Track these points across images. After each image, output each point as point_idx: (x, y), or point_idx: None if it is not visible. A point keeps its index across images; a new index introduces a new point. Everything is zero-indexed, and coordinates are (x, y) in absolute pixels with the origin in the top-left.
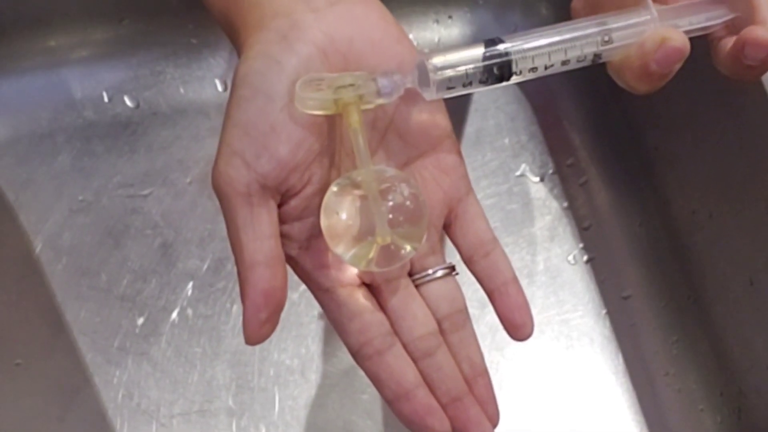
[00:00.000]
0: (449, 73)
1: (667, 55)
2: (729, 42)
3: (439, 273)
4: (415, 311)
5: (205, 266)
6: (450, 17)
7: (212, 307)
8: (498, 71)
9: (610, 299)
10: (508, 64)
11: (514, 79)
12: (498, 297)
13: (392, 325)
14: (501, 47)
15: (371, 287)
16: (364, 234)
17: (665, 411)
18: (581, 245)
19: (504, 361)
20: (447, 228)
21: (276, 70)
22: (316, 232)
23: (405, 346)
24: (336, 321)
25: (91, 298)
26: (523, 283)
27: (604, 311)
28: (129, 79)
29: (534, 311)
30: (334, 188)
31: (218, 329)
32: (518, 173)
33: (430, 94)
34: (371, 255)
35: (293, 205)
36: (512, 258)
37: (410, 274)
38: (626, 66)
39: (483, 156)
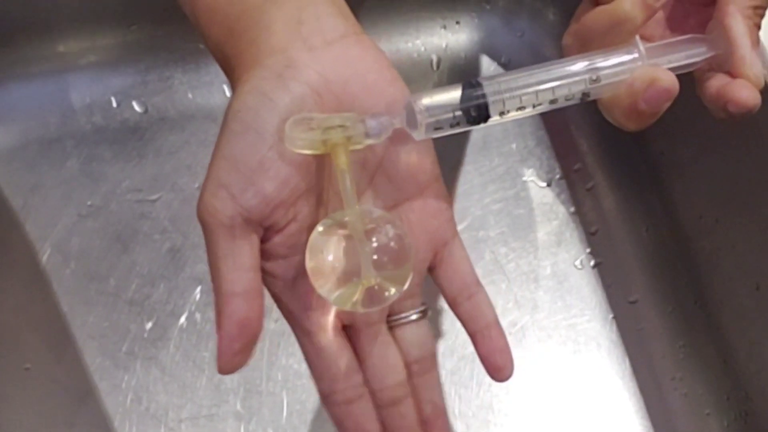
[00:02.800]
0: (437, 113)
1: (656, 95)
2: (713, 83)
3: (414, 317)
4: (389, 361)
5: None
6: (458, 23)
7: None
8: (477, 112)
9: (617, 304)
10: (485, 105)
11: (503, 119)
12: (480, 339)
13: (365, 371)
14: (484, 89)
15: (351, 329)
16: (349, 275)
17: (672, 415)
18: (588, 250)
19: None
20: (432, 270)
21: (268, 108)
22: (301, 272)
23: (374, 393)
24: (312, 363)
25: (99, 302)
26: (530, 287)
27: (611, 316)
28: (137, 85)
29: (541, 316)
30: (319, 228)
31: None
32: (525, 178)
33: (419, 135)
34: (356, 296)
35: (278, 242)
36: (519, 263)
37: (387, 314)
38: (615, 104)
39: (490, 161)
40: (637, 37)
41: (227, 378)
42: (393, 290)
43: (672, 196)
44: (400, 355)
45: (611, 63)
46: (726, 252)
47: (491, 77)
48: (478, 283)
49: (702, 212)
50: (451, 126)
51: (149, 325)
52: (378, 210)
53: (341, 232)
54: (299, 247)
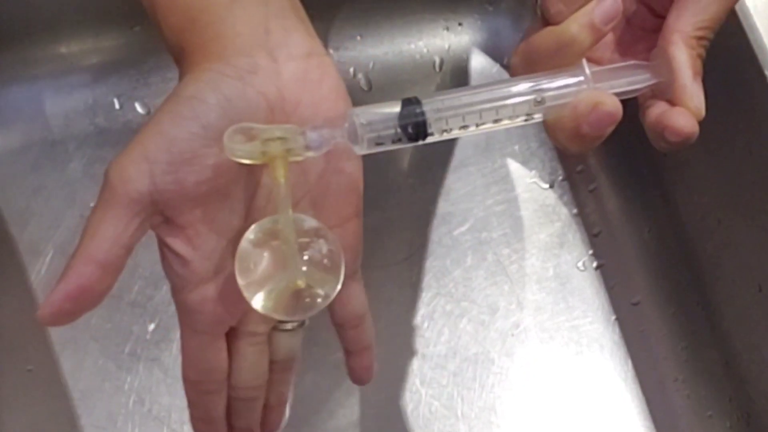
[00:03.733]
0: (378, 128)
1: (599, 119)
2: (653, 110)
3: (289, 326)
4: (259, 367)
5: None
6: (460, 24)
7: None
8: (414, 129)
9: (619, 305)
10: (424, 123)
11: (443, 137)
12: (353, 357)
13: (232, 368)
14: (423, 107)
15: (234, 330)
16: (278, 281)
17: (675, 417)
18: (591, 252)
19: (514, 367)
20: None
21: (221, 105)
22: (204, 277)
23: (233, 388)
24: (188, 353)
25: (102, 304)
26: (533, 288)
27: (613, 317)
28: (140, 86)
29: (544, 317)
30: (250, 235)
31: None
32: (528, 180)
33: (360, 149)
34: (284, 302)
35: (182, 239)
36: (522, 264)
37: None
38: (559, 126)
39: (493, 162)
40: (584, 61)
41: None
42: (323, 294)
43: (674, 198)
44: (267, 360)
45: (556, 85)
46: (728, 254)
47: (434, 95)
48: (365, 313)
49: (704, 214)
50: (393, 142)
51: (152, 326)
52: (310, 218)
53: (272, 240)
54: (204, 252)
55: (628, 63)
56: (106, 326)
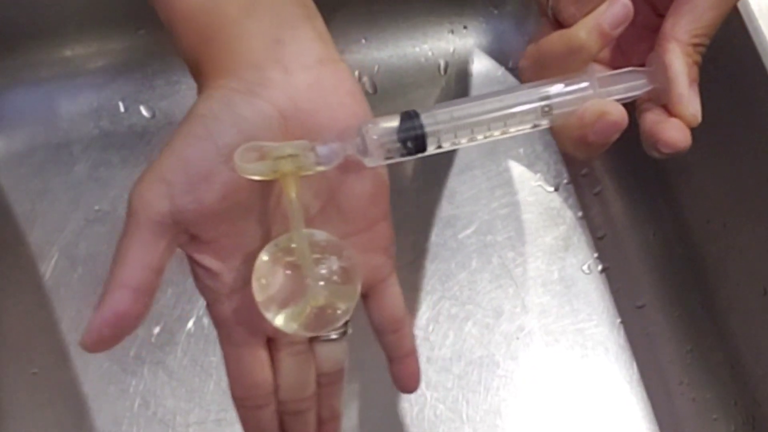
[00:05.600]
0: (389, 141)
1: (605, 128)
2: (648, 116)
3: (334, 336)
4: (302, 377)
5: None
6: (465, 27)
7: None
8: (414, 144)
9: (624, 308)
10: (423, 137)
11: (451, 148)
12: (397, 365)
13: (278, 382)
14: (434, 119)
15: (273, 341)
16: (296, 297)
17: (680, 420)
18: (596, 255)
19: (519, 369)
20: (364, 299)
21: (233, 121)
22: (235, 288)
23: (282, 403)
24: (231, 369)
25: None
26: (538, 291)
27: (618, 320)
28: (145, 89)
29: (548, 320)
30: (264, 255)
31: None
32: (533, 183)
33: (371, 162)
34: (304, 319)
35: (210, 255)
36: (527, 267)
37: None
38: (565, 134)
39: (498, 165)
40: (591, 67)
41: None
42: (342, 308)
43: (679, 201)
44: (313, 371)
45: (563, 92)
46: (733, 256)
47: (442, 106)
48: (405, 317)
49: (710, 217)
50: (402, 155)
51: (157, 329)
52: (322, 232)
53: (287, 256)
54: (233, 264)
55: (625, 70)
56: None
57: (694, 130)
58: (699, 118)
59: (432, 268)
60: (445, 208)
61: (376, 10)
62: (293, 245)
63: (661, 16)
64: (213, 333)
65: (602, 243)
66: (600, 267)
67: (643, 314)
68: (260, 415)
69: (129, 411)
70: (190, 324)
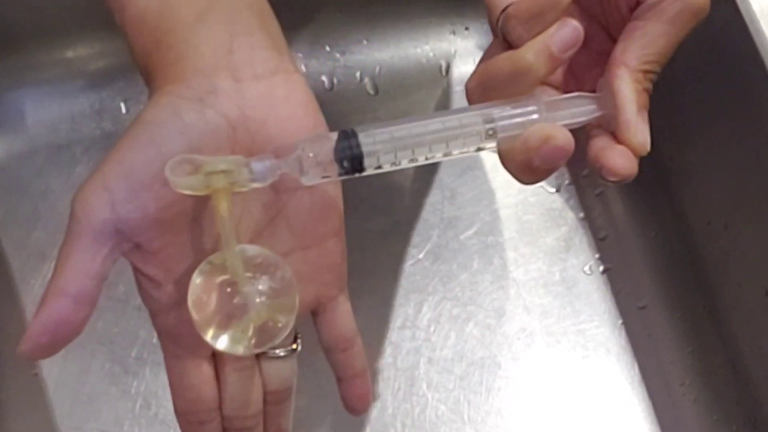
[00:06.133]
0: (323, 159)
1: (550, 153)
2: (595, 143)
3: (282, 353)
4: (247, 394)
5: None
6: (467, 28)
7: None
8: (351, 164)
9: (626, 309)
10: (360, 157)
11: (390, 169)
12: (345, 386)
13: (223, 398)
14: (374, 139)
15: (218, 356)
16: (235, 316)
17: (681, 421)
18: (597, 256)
19: (520, 370)
20: (314, 315)
21: (178, 129)
22: (179, 300)
23: (227, 419)
24: (174, 382)
25: (108, 308)
26: (539, 293)
27: (620, 321)
28: (146, 90)
29: (550, 321)
30: (197, 276)
31: None
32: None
33: (307, 180)
34: (248, 336)
35: (155, 265)
36: (528, 268)
37: None
38: (510, 157)
39: (499, 166)
40: (537, 90)
41: None
42: (283, 320)
43: (681, 202)
44: (260, 388)
45: (508, 115)
46: (735, 257)
47: (382, 125)
48: (355, 336)
49: (711, 218)
50: (339, 174)
51: None
52: (252, 246)
53: (221, 276)
54: (178, 275)
55: (574, 95)
56: (113, 330)
57: (695, 131)
58: (647, 147)
59: (433, 269)
60: (447, 209)
61: (378, 11)
62: (223, 264)
63: (616, 41)
64: None
65: (604, 244)
66: (601, 268)
67: (645, 315)
68: (204, 430)
69: (131, 412)
70: None
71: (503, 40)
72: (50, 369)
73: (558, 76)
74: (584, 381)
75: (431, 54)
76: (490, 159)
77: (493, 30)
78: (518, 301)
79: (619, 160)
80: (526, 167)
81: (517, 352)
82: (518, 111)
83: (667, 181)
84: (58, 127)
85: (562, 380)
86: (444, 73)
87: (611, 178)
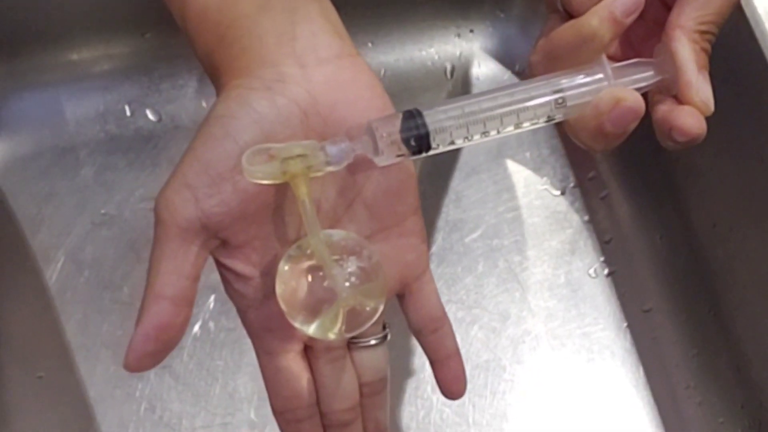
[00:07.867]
0: (397, 138)
1: (621, 116)
2: (660, 107)
3: (373, 342)
4: (343, 386)
5: None
6: (472, 31)
7: (234, 320)
8: (423, 141)
9: (631, 312)
10: (427, 136)
11: (464, 144)
12: (439, 367)
13: (319, 393)
14: (425, 118)
15: (311, 349)
16: (324, 302)
17: (686, 424)
18: (602, 259)
19: (525, 373)
20: (400, 299)
21: (252, 119)
22: (267, 293)
23: (325, 414)
24: (268, 380)
25: (113, 311)
26: (544, 296)
27: (625, 324)
28: (151, 93)
29: (555, 324)
30: (285, 262)
31: (240, 342)
32: (539, 187)
33: (381, 161)
34: (338, 323)
35: (241, 259)
36: (534, 271)
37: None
38: (581, 126)
39: (504, 169)
40: (603, 57)
41: (241, 387)
42: (372, 304)
43: (686, 205)
44: (354, 379)
45: (577, 84)
46: (740, 260)
47: (452, 101)
48: (443, 316)
49: (716, 220)
50: (413, 153)
51: None
52: (338, 231)
53: (307, 262)
54: (265, 267)
55: (632, 61)
56: (118, 333)
57: None
58: (711, 106)
59: (438, 272)
60: (452, 212)
61: (383, 13)
62: (308, 251)
63: (671, 9)
64: (219, 337)
65: (608, 247)
66: (606, 271)
67: (650, 318)
68: (302, 428)
69: (135, 415)
70: (196, 328)
71: (564, 12)
72: (55, 372)
73: (616, 48)
74: (589, 384)
75: (436, 57)
76: (495, 162)
77: (551, 6)
78: (523, 304)
79: (689, 119)
80: (598, 133)
81: (521, 355)
82: (586, 79)
83: (672, 183)
84: (63, 129)
85: (567, 383)
86: (449, 75)
87: (681, 139)
